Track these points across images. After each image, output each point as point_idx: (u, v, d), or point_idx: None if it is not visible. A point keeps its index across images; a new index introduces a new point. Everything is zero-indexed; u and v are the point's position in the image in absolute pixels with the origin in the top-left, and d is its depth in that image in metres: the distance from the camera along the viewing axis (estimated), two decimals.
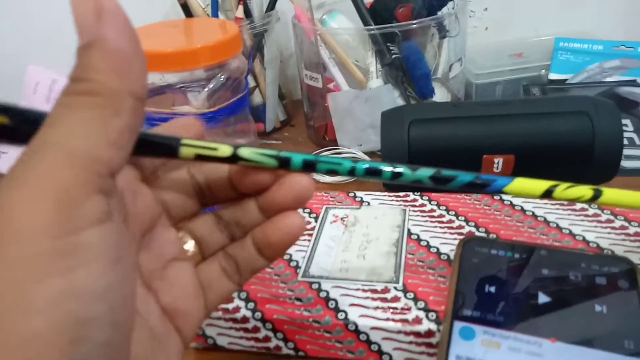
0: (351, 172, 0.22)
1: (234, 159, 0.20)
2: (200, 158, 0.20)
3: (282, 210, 0.21)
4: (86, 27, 0.15)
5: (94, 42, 0.15)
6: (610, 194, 0.24)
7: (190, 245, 0.22)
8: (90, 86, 0.15)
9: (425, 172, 0.22)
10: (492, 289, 0.28)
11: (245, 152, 0.20)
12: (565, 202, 0.36)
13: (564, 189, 0.24)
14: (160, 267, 0.21)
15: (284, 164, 0.21)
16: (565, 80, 0.61)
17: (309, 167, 0.21)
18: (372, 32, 0.51)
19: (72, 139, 0.14)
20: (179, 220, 0.22)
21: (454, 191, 0.23)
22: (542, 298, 0.27)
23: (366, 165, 0.22)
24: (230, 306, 0.30)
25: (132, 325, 0.16)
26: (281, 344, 0.30)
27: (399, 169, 0.22)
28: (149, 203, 0.21)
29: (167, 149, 0.19)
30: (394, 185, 0.43)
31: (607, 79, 0.59)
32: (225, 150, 0.20)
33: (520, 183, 0.23)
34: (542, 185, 0.24)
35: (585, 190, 0.24)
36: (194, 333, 0.21)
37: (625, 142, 0.49)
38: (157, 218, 0.21)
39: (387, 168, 0.22)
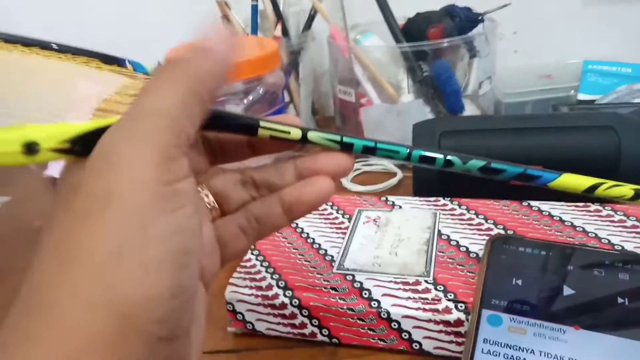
0: (407, 158, 0.24)
1: (303, 141, 0.23)
2: (274, 138, 0.22)
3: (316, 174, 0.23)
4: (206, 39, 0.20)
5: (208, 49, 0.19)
6: None
7: (210, 200, 0.24)
8: (187, 68, 0.19)
9: (475, 163, 0.24)
10: (519, 282, 0.29)
11: (313, 135, 0.23)
12: (592, 209, 0.37)
13: (606, 188, 0.25)
14: None
15: (347, 148, 0.23)
16: (594, 101, 0.62)
17: (368, 151, 0.23)
18: (404, 49, 0.54)
19: (170, 108, 0.17)
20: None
21: (503, 181, 0.25)
22: (567, 290, 0.28)
23: (421, 153, 0.24)
24: (269, 293, 0.32)
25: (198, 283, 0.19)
26: (316, 330, 0.32)
27: (450, 158, 0.24)
28: None
29: (249, 127, 0.22)
30: (425, 190, 0.45)
31: (636, 100, 0.60)
32: (296, 133, 0.22)
33: (567, 178, 0.25)
34: (587, 181, 0.25)
35: (626, 190, 0.25)
36: (209, 287, 0.23)
37: None
38: None
39: (440, 155, 0.24)
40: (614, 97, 0.62)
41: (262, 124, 0.22)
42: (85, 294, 0.15)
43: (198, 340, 0.20)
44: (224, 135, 0.24)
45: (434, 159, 0.24)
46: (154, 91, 0.18)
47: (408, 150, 0.23)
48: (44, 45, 0.26)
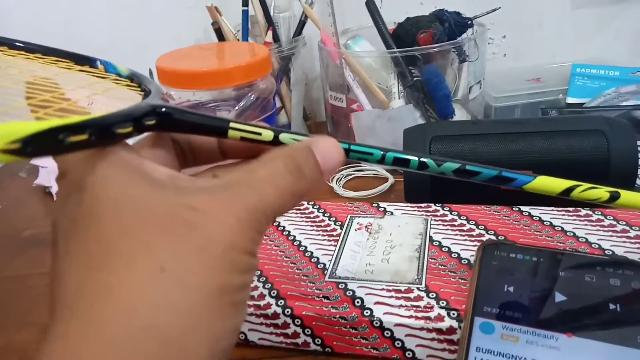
0: (381, 161, 0.23)
1: (275, 142, 0.22)
2: (244, 139, 0.22)
3: None
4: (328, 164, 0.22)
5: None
6: (627, 196, 0.26)
7: None
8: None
9: (450, 165, 0.24)
10: (511, 289, 0.29)
11: (285, 137, 0.22)
12: (582, 214, 0.38)
13: (582, 190, 0.25)
14: None
15: None
16: (583, 104, 0.63)
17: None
18: (395, 54, 0.54)
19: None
20: None
21: (478, 184, 0.25)
22: (559, 297, 0.28)
23: (395, 155, 0.24)
24: (261, 302, 0.32)
25: None
26: (309, 340, 0.32)
27: (425, 160, 0.24)
28: None
29: (218, 129, 0.22)
30: (417, 196, 0.45)
31: (624, 103, 0.61)
32: (267, 134, 0.22)
33: (542, 181, 0.25)
34: (563, 184, 0.25)
35: (602, 192, 0.26)
36: None
37: None
38: None
39: (414, 158, 0.24)
40: (602, 100, 0.62)
41: (232, 125, 0.22)
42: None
43: None
44: (195, 137, 0.24)
45: (408, 160, 0.24)
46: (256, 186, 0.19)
47: (382, 153, 0.23)
48: (11, 45, 0.25)
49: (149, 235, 0.17)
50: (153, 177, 0.18)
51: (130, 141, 0.20)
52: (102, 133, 0.18)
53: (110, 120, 0.18)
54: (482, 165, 0.25)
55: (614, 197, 0.25)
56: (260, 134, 0.22)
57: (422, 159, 0.24)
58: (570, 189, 0.25)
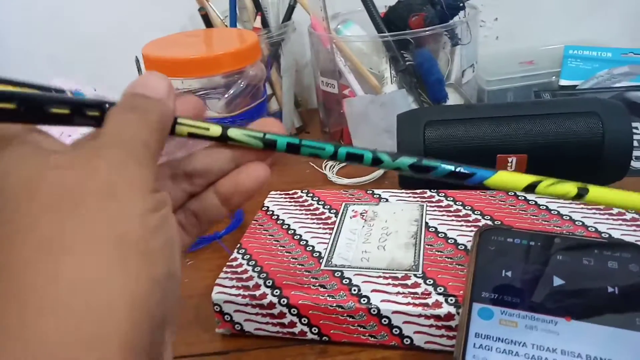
0: (333, 156, 0.23)
1: (223, 138, 0.22)
2: (192, 136, 0.22)
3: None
4: (156, 90, 0.21)
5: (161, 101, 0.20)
6: (596, 192, 0.24)
7: None
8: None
9: (405, 160, 0.23)
10: (509, 274, 0.29)
11: (233, 132, 0.22)
12: None
13: (548, 185, 0.23)
14: None
15: (269, 146, 0.22)
16: (576, 86, 0.63)
17: (293, 149, 0.22)
18: (386, 39, 0.53)
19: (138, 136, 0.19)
20: None
21: (436, 180, 0.24)
22: (557, 281, 0.28)
23: (348, 150, 0.23)
24: (257, 292, 0.32)
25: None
26: (306, 329, 0.32)
27: (379, 156, 0.23)
28: None
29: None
30: (411, 182, 0.44)
31: (617, 85, 0.61)
32: (215, 130, 0.22)
33: (503, 176, 0.23)
34: (525, 179, 0.23)
35: (570, 187, 0.23)
36: None
37: (635, 144, 0.50)
38: None
39: (368, 153, 0.23)
40: (595, 82, 0.62)
41: (180, 120, 0.21)
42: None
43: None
44: (189, 160, 0.23)
45: (361, 156, 0.23)
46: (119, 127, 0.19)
47: (334, 148, 0.23)
48: None
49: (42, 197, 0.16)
50: (47, 149, 0.18)
51: None
52: (32, 108, 0.18)
53: (44, 98, 0.19)
54: (438, 160, 0.23)
55: (582, 193, 0.23)
56: (208, 129, 0.22)
57: (376, 154, 0.23)
58: (534, 185, 0.23)
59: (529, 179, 0.23)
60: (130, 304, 0.15)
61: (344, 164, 0.56)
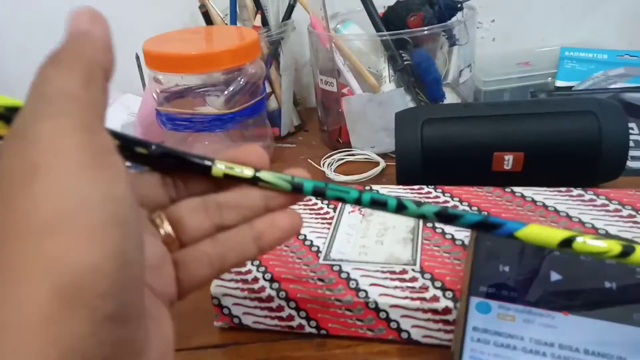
0: (357, 202, 0.23)
1: (254, 180, 0.23)
2: (227, 177, 0.23)
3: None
4: (80, 22, 0.19)
5: (86, 32, 0.19)
6: None
7: (167, 230, 0.22)
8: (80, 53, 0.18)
9: (430, 208, 0.23)
10: (507, 268, 0.29)
11: (264, 175, 0.23)
12: (574, 194, 0.38)
13: (584, 241, 0.22)
14: None
15: (297, 189, 0.23)
16: (572, 87, 0.63)
17: (318, 193, 0.23)
18: (385, 37, 0.53)
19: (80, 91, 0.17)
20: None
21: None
22: (554, 276, 0.29)
23: (372, 196, 0.23)
24: (255, 286, 0.32)
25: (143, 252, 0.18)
26: (304, 322, 0.32)
27: (404, 202, 0.23)
28: None
29: (202, 167, 0.22)
30: (409, 179, 0.45)
31: (612, 86, 0.61)
32: (248, 172, 0.23)
33: (534, 230, 0.22)
34: (559, 234, 0.22)
35: (613, 245, 0.22)
36: (169, 306, 0.21)
37: (631, 144, 0.50)
38: None
39: (392, 200, 0.23)
40: (591, 83, 0.62)
41: (217, 162, 0.22)
42: (21, 267, 0.14)
43: (161, 349, 0.19)
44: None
45: (385, 202, 0.23)
46: (55, 75, 0.17)
47: (358, 193, 0.23)
48: None
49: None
50: None
51: None
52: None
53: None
54: (463, 211, 0.23)
55: (628, 251, 0.22)
56: (242, 171, 0.23)
57: (401, 201, 0.23)
58: (569, 240, 0.22)
59: (562, 234, 0.22)
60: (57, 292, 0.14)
61: (342, 161, 0.56)
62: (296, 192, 0.23)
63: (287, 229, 0.23)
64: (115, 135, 0.20)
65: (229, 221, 0.24)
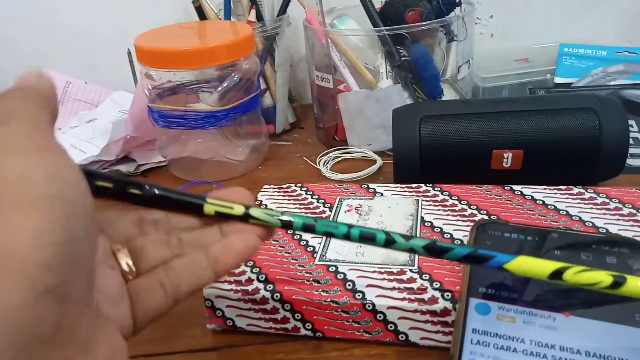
0: (346, 237, 0.23)
1: (245, 217, 0.23)
2: (219, 215, 0.23)
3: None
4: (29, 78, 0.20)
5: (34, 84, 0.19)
6: (634, 282, 0.22)
7: (124, 263, 0.23)
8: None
9: (418, 242, 0.23)
10: None
11: (255, 212, 0.23)
12: (574, 192, 0.37)
13: (575, 272, 0.22)
14: None
15: (287, 226, 0.24)
16: (571, 84, 0.62)
17: (308, 229, 0.24)
18: (382, 33, 0.53)
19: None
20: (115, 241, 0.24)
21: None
22: None
23: (361, 230, 0.23)
24: (249, 287, 0.31)
25: (95, 249, 0.18)
26: (299, 324, 0.31)
27: (393, 237, 0.23)
28: None
29: (194, 206, 0.23)
30: (406, 177, 0.44)
31: (612, 83, 0.61)
32: (239, 209, 0.23)
33: (524, 261, 0.22)
34: (549, 266, 0.22)
35: (603, 276, 0.22)
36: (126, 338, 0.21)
37: (631, 142, 0.49)
38: None
39: (381, 235, 0.23)
40: (590, 80, 0.62)
41: (208, 200, 0.23)
42: None
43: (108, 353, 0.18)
44: None
45: (373, 236, 0.23)
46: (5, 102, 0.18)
47: (347, 228, 0.23)
48: None
49: None
50: None
51: None
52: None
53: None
54: (452, 243, 0.24)
55: (619, 281, 0.22)
56: (232, 207, 0.23)
57: (390, 236, 0.23)
58: (559, 272, 0.22)
59: (552, 265, 0.22)
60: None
61: (338, 159, 0.55)
62: (286, 228, 0.24)
63: (243, 253, 0.24)
64: (107, 178, 0.21)
65: (187, 250, 0.24)
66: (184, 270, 0.23)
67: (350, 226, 0.23)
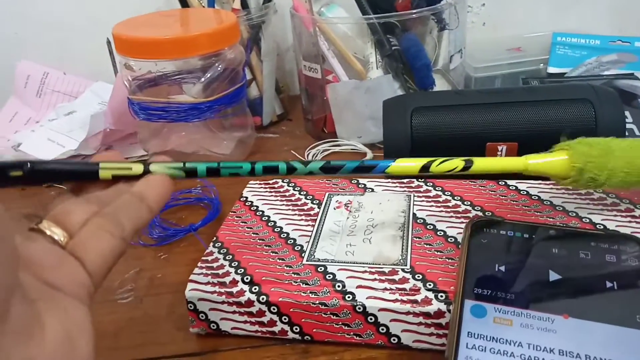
0: (251, 172, 0.26)
1: (146, 174, 0.24)
2: (117, 178, 0.24)
3: None
4: None
5: None
6: (480, 162, 0.29)
7: (49, 232, 0.22)
8: None
9: (315, 165, 0.28)
10: (502, 268, 0.27)
11: (155, 167, 0.24)
12: (570, 187, 0.36)
13: (438, 164, 0.29)
14: None
15: (191, 173, 0.25)
16: (564, 73, 0.61)
17: (213, 173, 0.25)
18: (371, 21, 0.51)
19: None
20: None
21: (344, 175, 0.29)
22: (553, 276, 0.27)
23: (264, 164, 0.27)
24: (234, 289, 0.30)
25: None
26: (286, 328, 0.30)
27: (293, 164, 0.27)
28: None
29: (89, 173, 0.23)
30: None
31: (605, 73, 0.60)
32: (138, 168, 0.24)
33: (400, 163, 0.29)
34: (419, 162, 0.29)
35: (457, 162, 0.28)
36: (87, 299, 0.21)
37: (626, 133, 0.49)
38: None
39: (283, 165, 0.27)
40: (584, 70, 0.61)
41: (102, 165, 0.23)
42: None
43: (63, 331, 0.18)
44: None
45: (276, 167, 0.27)
46: None
47: (251, 165, 0.26)
48: None
49: None
50: None
51: None
52: None
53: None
54: (342, 160, 0.29)
55: (468, 165, 0.28)
56: (130, 168, 0.24)
57: (289, 164, 0.27)
58: (426, 166, 0.28)
59: (421, 161, 0.29)
60: None
61: (327, 152, 0.54)
62: (191, 176, 0.25)
63: (165, 182, 0.25)
64: None
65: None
66: (119, 210, 0.23)
67: (253, 163, 0.27)
